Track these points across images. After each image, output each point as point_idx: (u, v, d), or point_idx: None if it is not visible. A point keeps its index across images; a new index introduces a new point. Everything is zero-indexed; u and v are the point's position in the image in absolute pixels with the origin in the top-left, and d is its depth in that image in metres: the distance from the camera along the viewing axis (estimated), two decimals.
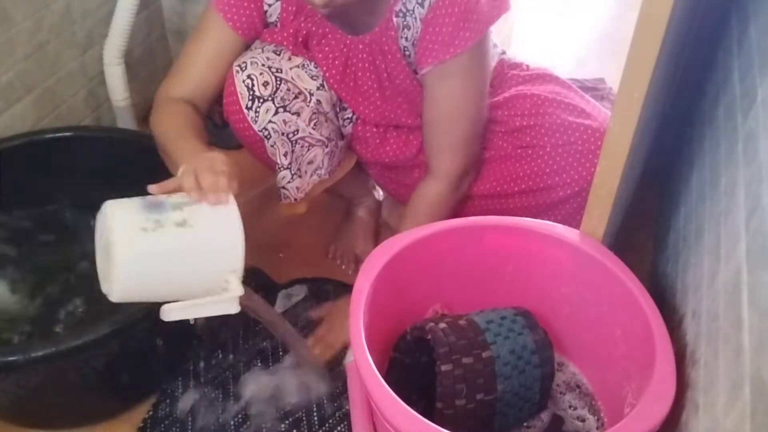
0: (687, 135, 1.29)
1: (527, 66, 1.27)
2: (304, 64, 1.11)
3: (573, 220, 1.12)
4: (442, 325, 0.94)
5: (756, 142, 0.74)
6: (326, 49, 1.11)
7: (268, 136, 1.09)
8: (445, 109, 1.08)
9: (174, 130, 1.02)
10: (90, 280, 1.22)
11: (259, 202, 1.49)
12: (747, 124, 0.80)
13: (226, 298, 0.82)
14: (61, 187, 1.26)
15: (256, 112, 1.07)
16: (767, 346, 0.55)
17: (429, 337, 0.93)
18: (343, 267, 1.33)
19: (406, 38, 1.07)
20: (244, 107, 1.07)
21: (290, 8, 1.09)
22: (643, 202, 1.38)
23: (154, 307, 0.82)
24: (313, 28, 1.09)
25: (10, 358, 0.86)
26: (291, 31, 1.09)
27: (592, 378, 1.04)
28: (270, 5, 1.09)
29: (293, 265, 1.34)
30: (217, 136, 1.64)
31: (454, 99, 1.07)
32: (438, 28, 1.03)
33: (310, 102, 1.10)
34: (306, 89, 1.10)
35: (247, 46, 1.12)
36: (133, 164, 1.24)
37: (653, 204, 1.45)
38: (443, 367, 0.91)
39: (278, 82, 1.07)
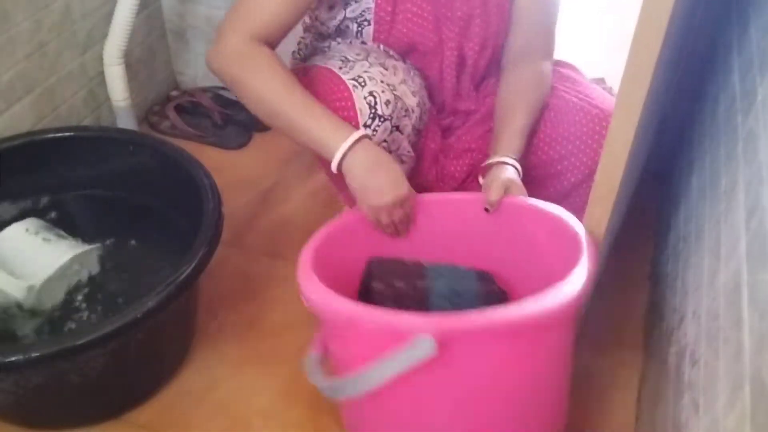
0: (687, 135, 1.29)
1: None
2: (405, 80, 1.10)
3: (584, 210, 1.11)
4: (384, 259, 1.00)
5: (756, 142, 0.74)
6: None
7: None
8: None
9: (289, 97, 0.98)
10: (89, 279, 1.23)
11: (258, 203, 1.50)
12: (747, 124, 0.80)
13: None
14: (61, 187, 1.26)
15: (374, 131, 1.03)
16: (767, 346, 0.55)
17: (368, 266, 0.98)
18: None
19: None
20: (362, 125, 1.03)
21: None
22: (643, 202, 1.38)
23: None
24: None
25: (10, 358, 0.86)
26: None
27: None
28: None
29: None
30: (216, 135, 1.65)
31: None
32: None
33: (413, 119, 1.10)
34: (410, 106, 1.09)
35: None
36: (133, 164, 1.25)
37: (653, 204, 1.45)
38: (374, 285, 0.95)
39: (396, 101, 1.05)
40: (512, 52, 1.18)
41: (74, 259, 1.15)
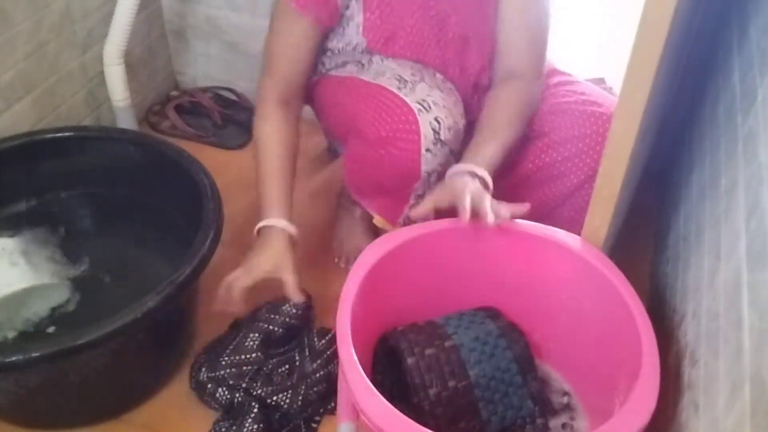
0: (687, 135, 1.29)
1: None
2: (456, 102, 1.10)
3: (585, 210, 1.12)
4: (400, 328, 0.98)
5: (756, 142, 0.74)
6: None
7: (430, 176, 1.07)
8: (531, 8, 1.11)
9: (264, 166, 1.15)
10: (90, 280, 1.23)
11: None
12: (747, 124, 0.80)
13: None
14: (61, 187, 1.26)
15: (434, 155, 1.04)
16: (767, 346, 0.55)
17: (391, 342, 0.95)
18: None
19: None
20: (423, 149, 1.03)
21: None
22: (643, 202, 1.38)
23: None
24: None
25: (10, 358, 0.86)
26: None
27: (581, 392, 1.03)
28: None
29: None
30: (216, 135, 1.65)
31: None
32: None
33: (460, 139, 1.10)
34: (461, 128, 1.09)
35: (324, 36, 1.13)
36: (133, 164, 1.25)
37: (653, 204, 1.45)
38: (408, 361, 0.92)
39: (455, 125, 1.06)
40: (500, 72, 1.16)
41: (26, 292, 1.17)
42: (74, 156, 1.25)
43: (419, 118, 1.02)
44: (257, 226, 1.10)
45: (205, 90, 1.75)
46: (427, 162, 1.05)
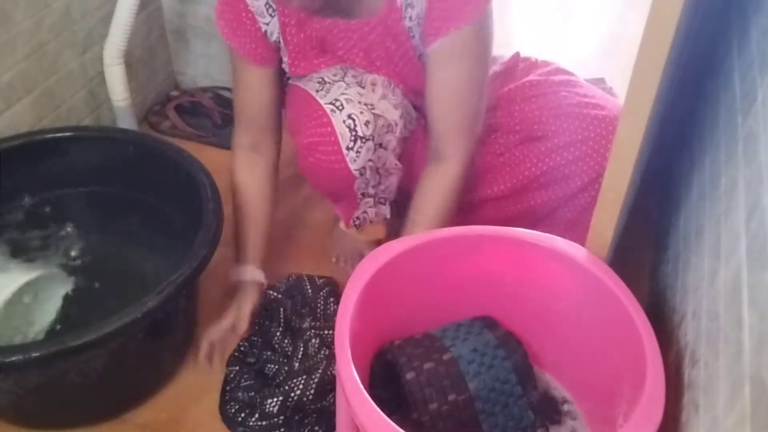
0: (687, 135, 1.29)
1: (536, 60, 1.29)
2: (386, 94, 1.08)
3: (590, 210, 1.11)
4: (397, 342, 0.98)
5: (756, 142, 0.74)
6: (340, 44, 1.08)
7: (363, 173, 1.07)
8: (454, 86, 1.05)
9: (241, 215, 1.18)
10: (90, 280, 1.23)
11: None
12: (747, 124, 0.80)
13: None
14: (61, 187, 1.26)
15: (357, 152, 1.04)
16: (767, 346, 0.55)
17: (389, 357, 0.95)
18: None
19: (410, 18, 1.02)
20: (344, 148, 1.03)
21: (290, 21, 1.07)
22: (643, 202, 1.38)
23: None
24: (318, 28, 1.07)
25: (10, 358, 0.86)
26: (302, 37, 1.07)
27: (582, 401, 1.03)
28: (267, 24, 1.07)
29: (292, 267, 1.34)
30: (216, 135, 1.65)
31: (462, 75, 1.04)
32: (443, 3, 0.99)
33: (396, 132, 1.09)
34: (393, 120, 1.08)
35: (278, 73, 1.14)
36: (133, 164, 1.25)
37: (653, 204, 1.45)
38: (407, 376, 0.92)
39: (376, 119, 1.04)
40: (431, 149, 1.13)
41: (23, 293, 1.18)
42: (74, 156, 1.25)
43: (332, 118, 1.03)
44: (233, 277, 1.16)
45: (205, 90, 1.75)
46: (354, 160, 1.05)
